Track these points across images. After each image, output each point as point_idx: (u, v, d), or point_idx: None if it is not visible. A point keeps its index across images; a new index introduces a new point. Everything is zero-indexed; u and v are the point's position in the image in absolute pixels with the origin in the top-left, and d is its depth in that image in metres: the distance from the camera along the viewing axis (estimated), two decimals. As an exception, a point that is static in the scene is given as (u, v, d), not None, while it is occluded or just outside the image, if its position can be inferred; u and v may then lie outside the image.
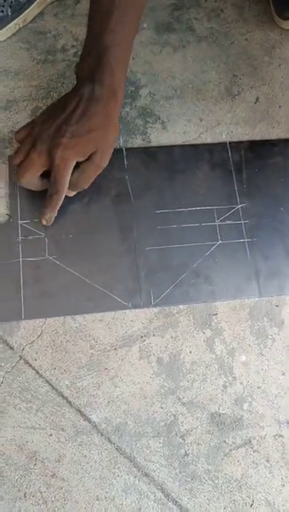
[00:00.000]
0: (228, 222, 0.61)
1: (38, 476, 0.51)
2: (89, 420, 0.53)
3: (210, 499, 0.53)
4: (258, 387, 0.56)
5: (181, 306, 0.58)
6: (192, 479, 0.53)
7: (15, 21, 0.65)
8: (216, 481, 0.53)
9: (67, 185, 0.52)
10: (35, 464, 0.51)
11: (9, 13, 0.64)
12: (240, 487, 0.53)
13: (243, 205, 0.62)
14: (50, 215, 0.55)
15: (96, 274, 0.57)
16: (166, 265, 0.59)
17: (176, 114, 0.65)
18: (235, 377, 0.56)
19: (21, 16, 0.65)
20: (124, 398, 0.54)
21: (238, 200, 0.62)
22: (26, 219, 0.58)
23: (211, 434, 0.54)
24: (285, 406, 0.56)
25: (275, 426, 0.55)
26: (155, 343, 0.56)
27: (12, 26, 0.65)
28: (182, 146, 0.64)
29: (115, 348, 0.56)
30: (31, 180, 0.52)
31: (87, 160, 0.52)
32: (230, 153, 0.64)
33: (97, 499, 0.51)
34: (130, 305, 0.57)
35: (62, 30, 0.67)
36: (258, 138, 0.65)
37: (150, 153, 0.63)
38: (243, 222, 0.61)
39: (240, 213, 0.61)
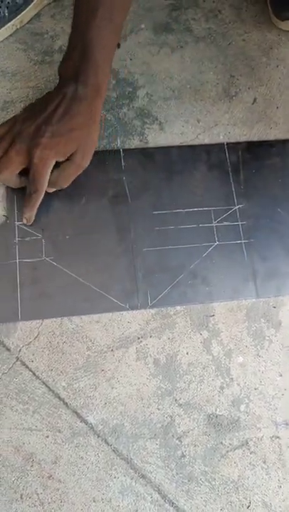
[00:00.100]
0: (225, 223, 0.61)
1: (34, 477, 0.51)
2: (85, 422, 0.53)
3: (207, 501, 0.53)
4: (255, 389, 0.56)
5: (178, 308, 0.58)
6: (189, 481, 0.53)
7: (12, 22, 0.65)
8: (213, 483, 0.53)
9: (46, 184, 0.52)
10: (31, 466, 0.51)
11: (6, 14, 0.64)
12: (237, 488, 0.53)
13: (240, 206, 0.62)
14: (30, 214, 0.55)
15: (93, 275, 0.57)
16: (163, 266, 0.58)
17: (173, 115, 0.65)
18: (232, 378, 0.56)
19: (18, 17, 0.65)
20: (121, 399, 0.54)
21: (236, 201, 0.62)
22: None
23: (208, 436, 0.54)
24: (282, 407, 0.56)
25: (272, 427, 0.55)
26: (152, 345, 0.56)
27: (9, 27, 0.65)
28: (180, 147, 0.64)
29: (112, 350, 0.56)
30: (9, 177, 0.52)
31: (67, 159, 0.51)
32: (227, 154, 0.64)
33: (94, 501, 0.51)
34: (127, 306, 0.57)
35: (60, 31, 0.67)
36: (255, 139, 0.65)
37: (147, 154, 0.63)
38: (240, 223, 0.61)
39: (238, 214, 0.61)
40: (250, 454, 0.54)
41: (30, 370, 0.54)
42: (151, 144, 0.64)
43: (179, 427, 0.54)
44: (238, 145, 0.64)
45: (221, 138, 0.65)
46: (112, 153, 0.62)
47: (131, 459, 0.53)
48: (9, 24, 0.65)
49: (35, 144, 0.49)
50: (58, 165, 0.52)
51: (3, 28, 0.64)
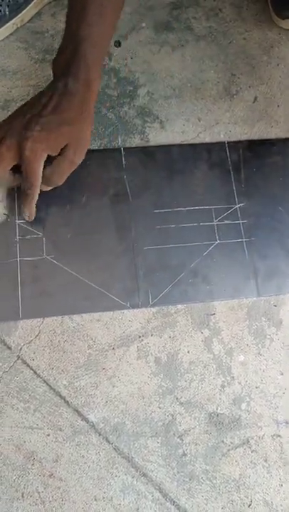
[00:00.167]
0: (226, 221, 0.61)
1: (35, 476, 0.51)
2: (87, 420, 0.53)
3: (208, 499, 0.53)
4: (256, 387, 0.56)
5: (179, 306, 0.58)
6: (190, 479, 0.53)
7: (12, 21, 0.65)
8: (214, 481, 0.53)
9: (39, 178, 0.51)
10: (32, 464, 0.51)
11: (7, 13, 0.64)
12: (238, 487, 0.53)
13: (241, 204, 0.62)
14: (30, 211, 0.54)
15: (94, 274, 0.57)
16: (164, 265, 0.58)
17: (174, 114, 0.65)
18: (233, 377, 0.56)
19: (19, 15, 0.65)
20: (122, 398, 0.54)
21: (237, 199, 0.62)
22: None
23: (209, 434, 0.54)
24: (283, 406, 0.56)
25: (273, 426, 0.55)
26: (153, 343, 0.56)
27: (10, 26, 0.65)
28: (180, 146, 0.64)
29: (113, 348, 0.56)
30: (2, 174, 0.52)
31: (59, 155, 0.51)
32: (228, 153, 0.64)
33: (95, 499, 0.51)
34: (128, 305, 0.57)
35: (60, 29, 0.67)
36: (256, 137, 0.65)
37: (148, 153, 0.63)
38: (241, 221, 0.61)
39: (239, 213, 0.61)
40: (252, 452, 0.54)
41: (31, 369, 0.54)
42: (152, 143, 0.64)
43: (180, 426, 0.54)
44: (239, 144, 0.64)
45: (222, 136, 0.65)
46: (112, 152, 0.62)
47: (132, 457, 0.53)
48: (10, 23, 0.65)
49: (25, 137, 0.48)
50: (51, 162, 0.51)
51: (3, 27, 0.64)
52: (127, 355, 0.56)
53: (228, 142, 0.64)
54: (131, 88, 0.66)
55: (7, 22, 0.64)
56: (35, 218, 0.56)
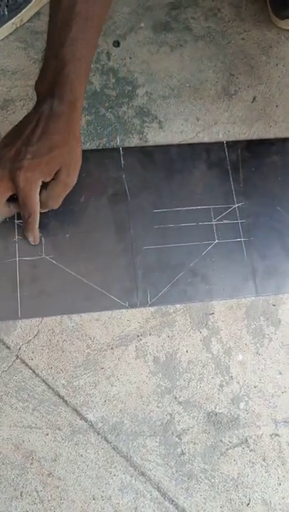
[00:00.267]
0: (225, 221, 0.61)
1: (34, 475, 0.51)
2: (85, 419, 0.53)
3: (206, 498, 0.53)
4: (255, 387, 0.56)
5: (177, 306, 0.58)
6: (188, 478, 0.53)
7: (12, 21, 0.65)
8: (213, 480, 0.53)
9: (37, 205, 0.51)
10: (31, 463, 0.51)
11: (6, 13, 0.64)
12: (237, 486, 0.53)
13: (239, 204, 0.62)
14: (34, 236, 0.55)
15: (93, 274, 0.57)
16: (163, 264, 0.59)
17: (173, 114, 0.65)
18: (231, 376, 0.56)
19: (18, 15, 0.65)
20: (121, 397, 0.54)
21: (235, 199, 0.62)
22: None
23: (208, 434, 0.54)
24: (282, 405, 0.56)
25: (271, 425, 0.55)
26: (151, 343, 0.56)
27: (9, 26, 0.65)
28: (179, 146, 0.64)
29: (112, 348, 0.56)
30: None
31: (53, 179, 0.50)
32: (227, 153, 0.64)
33: (94, 498, 0.51)
34: (127, 304, 0.57)
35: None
36: (255, 137, 0.65)
37: (147, 153, 0.63)
38: (239, 221, 0.61)
39: (237, 213, 0.61)
40: (250, 451, 0.54)
41: (30, 368, 0.54)
42: (151, 143, 0.64)
43: (179, 425, 0.54)
44: (238, 143, 0.65)
45: (221, 136, 0.65)
46: (111, 152, 0.62)
47: (130, 456, 0.53)
48: (9, 23, 0.65)
49: (17, 167, 0.48)
50: (45, 186, 0.51)
51: (3, 27, 0.65)
52: (125, 355, 0.56)
53: (226, 142, 0.64)
54: (129, 88, 0.66)
55: (6, 22, 0.65)
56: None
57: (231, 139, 0.65)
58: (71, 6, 0.47)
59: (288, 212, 0.62)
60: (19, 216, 0.57)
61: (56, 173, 0.50)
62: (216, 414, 0.55)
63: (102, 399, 0.54)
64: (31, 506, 0.50)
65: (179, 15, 0.70)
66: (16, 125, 0.51)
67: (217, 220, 0.61)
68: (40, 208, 0.52)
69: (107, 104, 0.65)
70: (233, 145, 0.64)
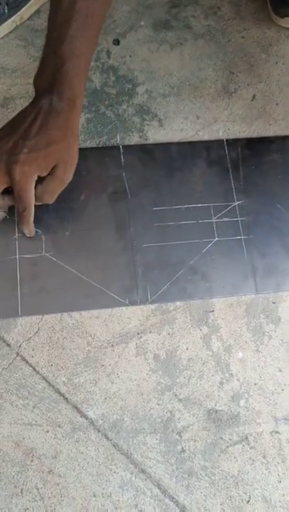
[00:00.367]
0: (225, 219, 0.61)
1: (34, 472, 0.51)
2: (86, 417, 0.53)
3: (207, 495, 0.53)
4: (255, 384, 0.56)
5: (177, 303, 0.58)
6: (189, 476, 0.53)
7: (12, 19, 0.65)
8: (213, 478, 0.53)
9: (32, 199, 0.51)
10: (31, 461, 0.51)
11: (6, 11, 0.64)
12: (237, 483, 0.53)
13: (239, 202, 0.62)
14: (29, 229, 0.55)
15: (93, 271, 0.57)
16: (163, 262, 0.59)
17: (173, 112, 0.65)
18: (231, 373, 0.56)
19: (18, 13, 0.65)
20: (121, 395, 0.54)
21: (235, 197, 0.62)
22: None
23: (208, 431, 0.54)
24: (282, 402, 0.56)
25: (271, 422, 0.55)
26: (152, 340, 0.56)
27: (9, 24, 0.65)
28: (179, 144, 0.64)
29: (112, 345, 0.56)
30: None
31: (49, 174, 0.50)
32: (227, 151, 0.64)
33: (94, 495, 0.51)
34: (127, 302, 0.57)
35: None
36: (254, 135, 0.66)
37: (147, 151, 0.63)
38: (239, 219, 0.61)
39: (237, 210, 0.62)
40: (250, 449, 0.55)
41: (31, 366, 0.54)
42: (151, 141, 0.64)
43: (179, 422, 0.54)
44: (238, 141, 0.65)
45: (221, 134, 0.65)
46: (111, 150, 0.62)
47: (131, 453, 0.53)
48: (9, 21, 0.65)
49: (14, 160, 0.48)
50: (41, 180, 0.51)
51: (3, 25, 0.65)
52: (125, 352, 0.56)
53: (226, 140, 0.65)
54: (130, 86, 0.66)
55: (6, 20, 0.65)
56: (34, 216, 0.56)
57: (231, 137, 0.65)
58: (71, 3, 0.48)
59: (288, 209, 0.62)
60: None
61: (53, 169, 0.50)
62: (216, 412, 0.55)
63: (103, 396, 0.54)
64: (32, 503, 0.50)
65: (178, 13, 0.70)
66: (13, 119, 0.51)
67: (217, 218, 0.61)
68: (36, 200, 0.52)
69: (107, 102, 0.65)
70: (233, 143, 0.64)
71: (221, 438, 0.54)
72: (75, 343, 0.55)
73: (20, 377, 0.54)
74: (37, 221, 0.57)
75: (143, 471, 0.53)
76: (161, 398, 0.55)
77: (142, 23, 0.69)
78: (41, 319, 0.56)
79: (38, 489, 0.51)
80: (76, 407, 0.53)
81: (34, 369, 0.54)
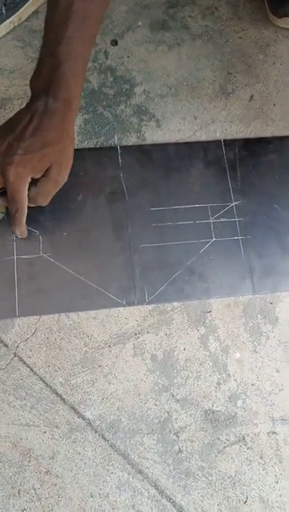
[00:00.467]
0: (222, 219, 0.61)
1: (32, 473, 0.51)
2: (83, 417, 0.53)
3: (204, 496, 0.53)
4: (252, 385, 0.57)
5: (175, 304, 0.58)
6: (186, 476, 0.53)
7: (10, 20, 0.65)
8: (210, 478, 0.53)
9: (25, 201, 0.51)
10: (29, 461, 0.52)
11: (4, 12, 0.64)
12: (234, 484, 0.53)
13: (237, 202, 0.62)
14: (21, 231, 0.54)
15: (90, 272, 0.57)
16: (160, 263, 0.59)
17: (170, 112, 0.65)
18: (229, 374, 0.56)
19: (16, 14, 0.65)
20: (118, 395, 0.54)
21: (233, 197, 0.62)
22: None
23: (205, 431, 0.54)
24: (279, 403, 0.56)
25: (268, 423, 0.56)
26: (149, 341, 0.56)
27: (7, 25, 0.65)
28: (177, 144, 0.64)
29: (109, 346, 0.56)
30: None
31: (43, 176, 0.50)
32: (224, 151, 0.64)
33: (91, 496, 0.51)
34: (124, 302, 0.57)
35: (57, 28, 0.67)
36: (252, 136, 0.66)
37: (145, 151, 0.63)
38: (237, 219, 0.61)
39: (235, 211, 0.62)
40: (247, 449, 0.55)
41: (28, 366, 0.54)
42: (149, 141, 0.64)
43: (176, 423, 0.54)
44: (235, 142, 0.65)
45: (218, 135, 0.65)
46: (109, 150, 0.62)
47: (128, 454, 0.53)
48: (7, 21, 0.65)
49: (8, 162, 0.47)
50: (35, 182, 0.51)
51: (1, 26, 0.65)
52: (123, 353, 0.56)
53: (224, 140, 0.65)
54: (127, 87, 0.66)
55: (4, 20, 0.65)
56: (31, 217, 0.56)
57: (229, 137, 0.65)
58: (68, 4, 0.48)
59: (285, 210, 0.62)
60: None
61: (47, 170, 0.50)
62: (214, 412, 0.55)
63: (100, 397, 0.54)
64: (29, 504, 0.50)
65: (176, 13, 0.70)
66: (8, 120, 0.51)
67: (214, 219, 0.61)
68: (30, 202, 0.52)
69: (104, 103, 0.65)
70: (230, 143, 0.64)
71: (218, 438, 0.54)
72: (73, 343, 0.55)
73: (17, 377, 0.54)
74: (34, 222, 0.57)
75: (140, 472, 0.53)
76: (158, 399, 0.55)
77: (140, 23, 0.69)
78: (39, 320, 0.56)
79: (35, 490, 0.51)
80: (73, 408, 0.53)
81: (31, 370, 0.54)
